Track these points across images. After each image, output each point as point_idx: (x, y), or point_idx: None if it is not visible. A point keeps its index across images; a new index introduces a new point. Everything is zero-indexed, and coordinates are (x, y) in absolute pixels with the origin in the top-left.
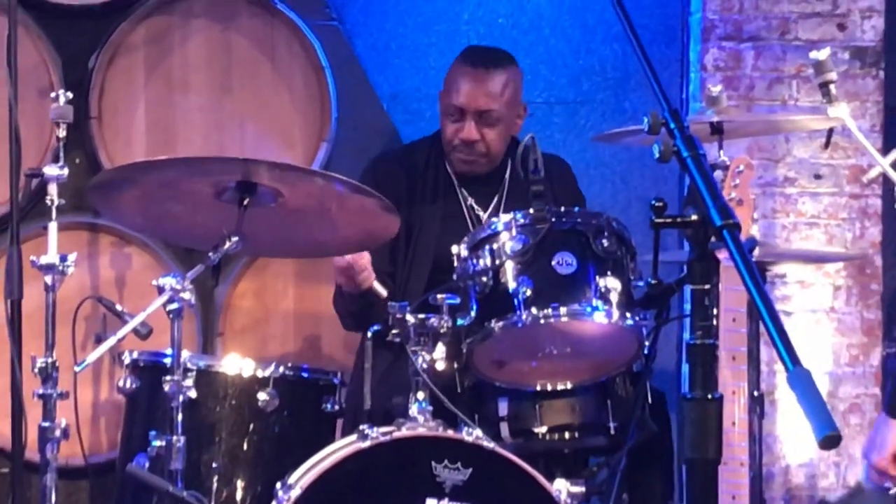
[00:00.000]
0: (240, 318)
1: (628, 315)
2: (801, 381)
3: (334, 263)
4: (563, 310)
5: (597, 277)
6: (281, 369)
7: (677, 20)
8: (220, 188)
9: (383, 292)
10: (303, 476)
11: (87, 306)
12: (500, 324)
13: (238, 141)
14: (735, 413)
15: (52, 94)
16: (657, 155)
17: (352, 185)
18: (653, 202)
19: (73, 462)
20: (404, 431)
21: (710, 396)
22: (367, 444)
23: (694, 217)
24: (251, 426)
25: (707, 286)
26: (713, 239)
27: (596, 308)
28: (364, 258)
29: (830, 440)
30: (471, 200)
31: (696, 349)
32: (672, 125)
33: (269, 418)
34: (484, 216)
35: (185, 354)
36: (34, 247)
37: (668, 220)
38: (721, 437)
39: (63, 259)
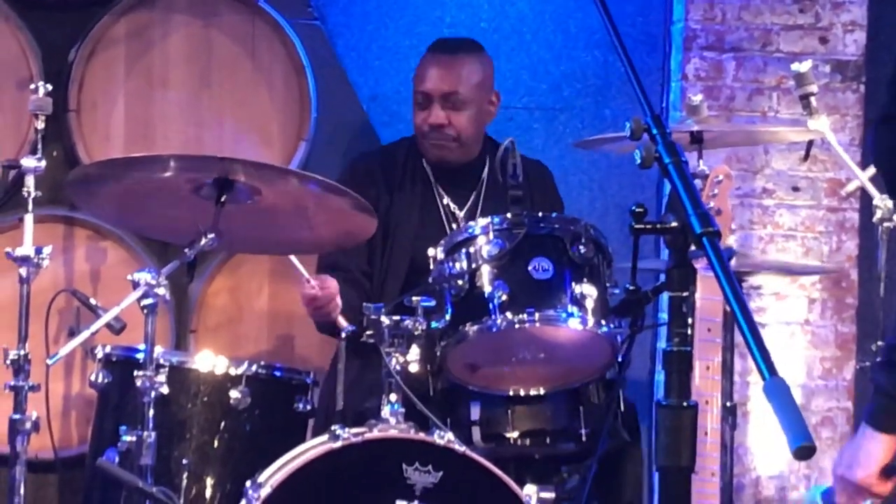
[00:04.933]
0: (213, 316)
1: (603, 322)
2: (778, 390)
3: (301, 293)
4: (537, 315)
5: (573, 284)
6: (254, 367)
7: (659, 29)
8: (197, 185)
9: (347, 328)
10: (273, 475)
11: (60, 299)
12: (475, 328)
13: (217, 138)
14: (708, 423)
15: (32, 86)
16: (639, 161)
17: (329, 184)
18: (633, 208)
19: (42, 455)
20: (376, 433)
21: (685, 404)
22: (338, 444)
23: (674, 224)
24: (222, 424)
25: (685, 293)
26: (692, 247)
27: (571, 314)
28: (332, 288)
29: (804, 451)
30: (447, 199)
31: (673, 356)
32: (654, 131)
33: (240, 416)
34: (460, 215)
35: (158, 350)
36: (9, 238)
37: (648, 226)
38: (695, 445)
39: (38, 251)
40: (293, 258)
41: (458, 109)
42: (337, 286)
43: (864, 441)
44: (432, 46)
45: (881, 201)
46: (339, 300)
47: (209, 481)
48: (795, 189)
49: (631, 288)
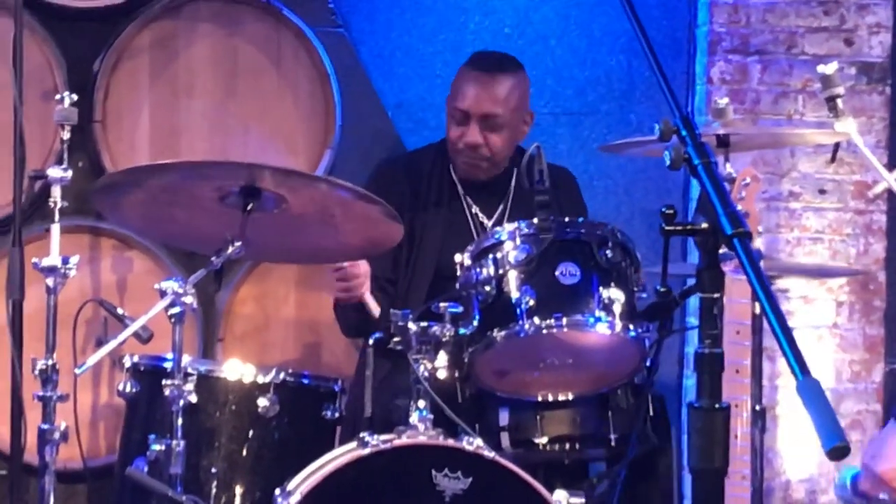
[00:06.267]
0: (241, 324)
1: (631, 326)
2: (811, 390)
3: (330, 269)
4: (565, 320)
5: (600, 288)
6: (281, 375)
7: (684, 32)
8: (223, 193)
9: (375, 309)
10: (302, 482)
11: (88, 309)
12: (503, 333)
13: (242, 146)
14: (737, 427)
15: (57, 97)
16: (668, 162)
17: (356, 191)
18: (663, 209)
19: (71, 465)
20: (404, 439)
21: (717, 406)
22: (366, 451)
23: (704, 225)
24: (251, 432)
25: (716, 295)
26: (723, 248)
27: (599, 319)
28: (360, 266)
29: (838, 451)
30: (475, 208)
31: (705, 358)
32: (684, 132)
33: (268, 424)
34: (488, 224)
35: (186, 359)
36: (36, 249)
37: (678, 228)
38: (728, 447)
39: (65, 261)
40: None
41: (495, 131)
42: (367, 266)
43: (891, 436)
44: (473, 62)
45: None
46: (367, 279)
47: (238, 489)
48: (822, 192)
49: (662, 289)
